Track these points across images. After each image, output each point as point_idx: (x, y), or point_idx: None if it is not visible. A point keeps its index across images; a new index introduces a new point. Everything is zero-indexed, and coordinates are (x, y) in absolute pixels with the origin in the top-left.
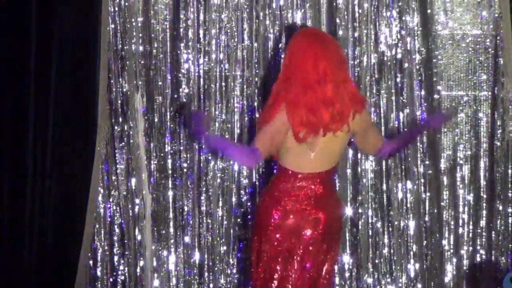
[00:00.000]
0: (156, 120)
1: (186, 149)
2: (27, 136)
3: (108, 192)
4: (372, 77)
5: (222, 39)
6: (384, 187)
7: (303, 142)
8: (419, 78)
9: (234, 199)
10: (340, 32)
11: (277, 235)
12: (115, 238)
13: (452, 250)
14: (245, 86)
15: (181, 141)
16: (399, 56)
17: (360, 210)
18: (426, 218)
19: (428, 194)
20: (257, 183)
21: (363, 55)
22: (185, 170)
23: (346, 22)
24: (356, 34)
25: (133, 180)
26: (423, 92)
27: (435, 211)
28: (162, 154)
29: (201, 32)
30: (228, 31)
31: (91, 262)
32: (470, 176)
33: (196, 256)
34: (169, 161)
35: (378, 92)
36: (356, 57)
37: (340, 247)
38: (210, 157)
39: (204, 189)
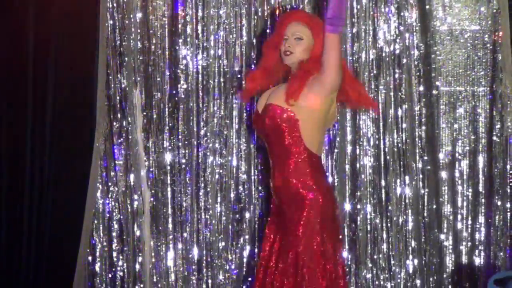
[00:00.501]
0: (154, 116)
1: (184, 145)
2: (25, 132)
3: (106, 188)
4: (371, 73)
5: (220, 35)
6: (383, 182)
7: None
8: (418, 73)
9: (232, 195)
10: None
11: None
12: (114, 234)
13: (450, 246)
14: (243, 82)
15: (180, 137)
16: (397, 51)
17: (358, 206)
18: (425, 214)
19: (426, 189)
20: (255, 178)
21: (362, 51)
22: (183, 166)
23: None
24: (354, 30)
25: (132, 176)
26: (421, 88)
27: (434, 206)
28: (160, 150)
29: (199, 28)
30: (227, 27)
31: (90, 258)
32: (468, 171)
33: (195, 252)
34: (168, 157)
35: (376, 88)
36: (354, 53)
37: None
38: (208, 153)
39: (202, 184)
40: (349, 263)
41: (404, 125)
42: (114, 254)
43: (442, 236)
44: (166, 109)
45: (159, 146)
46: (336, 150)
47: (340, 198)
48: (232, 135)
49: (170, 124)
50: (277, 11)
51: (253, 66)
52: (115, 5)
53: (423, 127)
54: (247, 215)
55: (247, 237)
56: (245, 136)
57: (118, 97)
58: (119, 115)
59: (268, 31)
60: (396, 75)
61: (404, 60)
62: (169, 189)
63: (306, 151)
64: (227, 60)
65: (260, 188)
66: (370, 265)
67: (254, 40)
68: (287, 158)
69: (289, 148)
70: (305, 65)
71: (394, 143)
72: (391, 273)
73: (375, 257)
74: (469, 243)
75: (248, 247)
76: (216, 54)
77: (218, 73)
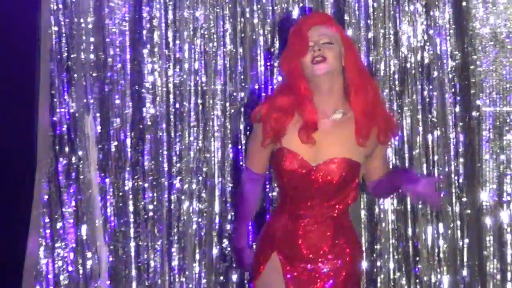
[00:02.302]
0: (113, 149)
1: (152, 186)
2: None
3: (52, 244)
4: (392, 90)
5: (197, 44)
6: (410, 232)
7: None
8: (453, 90)
9: (215, 251)
10: (350, 32)
11: None
12: None
13: None
14: (227, 104)
15: (146, 176)
16: (426, 62)
17: (378, 263)
18: (464, 272)
19: (466, 240)
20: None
21: (380, 62)
22: (151, 213)
23: (357, 19)
24: (370, 35)
25: (84, 228)
26: (457, 109)
27: (476, 262)
28: (121, 193)
29: (170, 34)
30: (205, 33)
31: None
32: None
33: None
34: (131, 202)
35: (400, 109)
36: (370, 64)
37: None
38: (183, 197)
39: (175, 238)
40: None
41: (435, 157)
42: None
43: None
44: (128, 140)
45: (120, 189)
46: None
47: None
48: (213, 172)
49: (134, 160)
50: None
51: (243, 84)
52: (60, 6)
53: (461, 160)
54: (235, 277)
55: None
56: (231, 173)
57: (65, 126)
58: (66, 149)
59: (259, 38)
60: (425, 93)
61: (435, 73)
62: (132, 244)
63: (356, 199)
64: (206, 76)
65: (250, 241)
66: None
67: (241, 50)
68: (338, 210)
69: (344, 200)
70: (370, 105)
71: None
72: None
73: None
74: None
75: None
76: (192, 68)
77: (195, 93)
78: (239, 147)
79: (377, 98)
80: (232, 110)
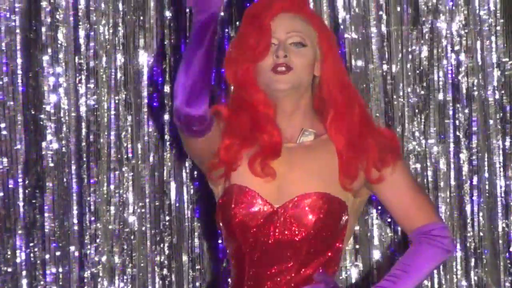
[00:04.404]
0: None
1: (55, 257)
2: None
3: None
4: (416, 118)
5: (119, 45)
6: None
7: None
8: (500, 114)
9: None
10: (346, 35)
11: None
12: None
13: None
14: (166, 136)
15: (46, 243)
16: (461, 75)
17: None
18: None
19: None
20: None
21: (392, 72)
22: None
23: (356, 13)
24: (382, 46)
25: None
26: (507, 143)
27: None
28: (10, 269)
29: (81, 33)
30: (136, 30)
31: None
32: None
33: None
34: (24, 280)
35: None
36: (386, 74)
37: None
38: (101, 272)
39: None
40: None
41: (480, 215)
42: None
43: None
44: (20, 190)
45: (9, 261)
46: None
47: None
48: (145, 237)
49: (28, 219)
50: None
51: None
52: None
53: None
54: None
55: None
56: (178, 243)
57: None
58: None
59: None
60: (461, 117)
61: (475, 92)
62: None
63: (339, 263)
64: (135, 95)
65: None
66: None
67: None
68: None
69: (325, 264)
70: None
71: (460, 251)
72: None
73: None
74: None
75: None
76: (116, 83)
77: (108, 123)
78: (188, 199)
79: (365, 119)
80: (175, 144)
